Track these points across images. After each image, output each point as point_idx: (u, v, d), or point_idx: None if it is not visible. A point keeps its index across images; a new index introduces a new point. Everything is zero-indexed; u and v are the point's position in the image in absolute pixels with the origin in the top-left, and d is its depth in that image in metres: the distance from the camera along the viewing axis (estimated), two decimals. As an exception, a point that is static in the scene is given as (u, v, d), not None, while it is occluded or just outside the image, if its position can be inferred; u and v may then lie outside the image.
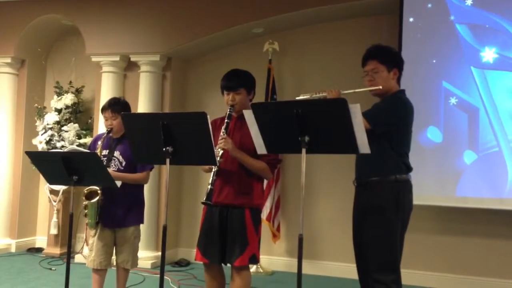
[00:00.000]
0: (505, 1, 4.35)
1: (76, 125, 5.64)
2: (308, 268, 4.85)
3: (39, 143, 5.64)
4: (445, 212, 4.66)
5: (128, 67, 5.49)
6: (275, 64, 5.25)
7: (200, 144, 2.61)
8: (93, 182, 3.21)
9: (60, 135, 5.61)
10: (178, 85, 5.61)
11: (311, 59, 5.27)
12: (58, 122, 5.66)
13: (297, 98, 2.92)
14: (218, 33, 5.18)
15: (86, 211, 3.35)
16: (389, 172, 2.81)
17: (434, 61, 4.52)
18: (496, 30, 4.32)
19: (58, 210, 5.59)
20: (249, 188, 2.98)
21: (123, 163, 3.41)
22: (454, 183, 4.40)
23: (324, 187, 5.14)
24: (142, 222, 3.57)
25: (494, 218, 4.50)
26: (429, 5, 4.54)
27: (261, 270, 5.04)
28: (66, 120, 5.70)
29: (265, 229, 4.72)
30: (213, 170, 2.86)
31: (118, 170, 3.39)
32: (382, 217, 2.79)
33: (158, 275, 2.73)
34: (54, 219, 5.57)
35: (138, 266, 3.72)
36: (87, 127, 5.74)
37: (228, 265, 2.97)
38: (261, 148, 2.57)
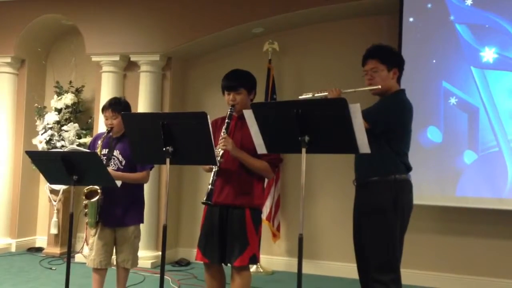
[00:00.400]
0: (505, 1, 4.35)
1: (76, 124, 5.64)
2: (308, 268, 4.85)
3: (39, 143, 5.64)
4: (445, 212, 4.66)
5: (128, 67, 5.49)
6: (275, 64, 5.25)
7: (200, 144, 2.62)
8: (93, 182, 3.21)
9: (60, 135, 5.61)
10: (178, 85, 5.61)
11: (311, 59, 5.27)
12: (58, 122, 5.66)
13: (300, 97, 2.94)
14: (218, 33, 5.18)
15: (86, 210, 3.35)
16: (389, 172, 2.81)
17: (434, 61, 4.52)
18: (496, 30, 4.32)
19: (58, 210, 5.59)
20: (250, 188, 2.98)
21: (123, 163, 3.41)
22: (454, 183, 4.40)
23: (324, 187, 5.14)
24: (142, 222, 3.57)
25: (494, 218, 4.50)
26: (429, 5, 4.54)
27: (261, 270, 5.05)
28: (66, 119, 5.70)
29: (265, 228, 4.72)
30: (214, 170, 2.86)
31: (118, 170, 3.39)
32: (382, 217, 2.80)
33: (158, 275, 2.74)
34: (54, 218, 5.57)
35: (138, 266, 3.72)
36: (87, 127, 5.74)
37: (229, 265, 2.97)
38: (261, 148, 2.57)
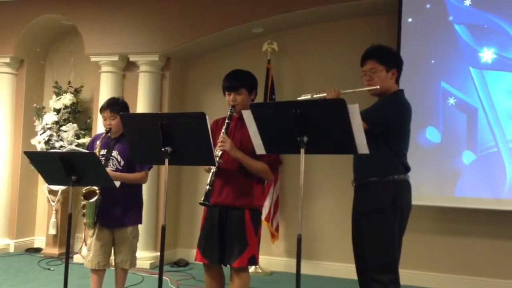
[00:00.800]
0: (504, 2, 4.35)
1: (75, 125, 5.63)
2: (307, 269, 4.85)
3: (38, 143, 5.63)
4: (443, 212, 4.66)
5: (127, 67, 5.49)
6: (274, 64, 5.25)
7: (199, 145, 2.61)
8: (92, 182, 3.21)
9: (59, 135, 5.60)
10: (177, 85, 5.61)
11: (310, 59, 5.27)
12: (57, 122, 5.65)
13: (299, 98, 2.93)
14: (217, 33, 5.18)
15: (84, 210, 3.34)
16: (387, 172, 2.82)
17: (433, 61, 4.52)
18: (495, 31, 4.32)
19: (56, 210, 5.58)
20: (249, 189, 2.98)
21: (122, 163, 3.41)
22: (453, 184, 4.40)
23: (323, 187, 5.14)
24: (141, 222, 3.57)
25: (492, 218, 4.50)
26: (428, 6, 4.54)
27: (260, 271, 5.04)
28: (65, 120, 5.69)
29: (264, 229, 4.71)
30: (212, 170, 2.85)
31: (117, 170, 3.38)
32: (380, 218, 2.80)
33: (157, 275, 2.74)
34: (53, 219, 5.57)
35: (136, 266, 3.72)
36: (86, 127, 5.74)
37: (228, 265, 2.97)
38: (259, 149, 2.57)
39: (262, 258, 4.70)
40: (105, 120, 3.47)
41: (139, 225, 3.58)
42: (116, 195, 3.33)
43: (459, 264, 4.66)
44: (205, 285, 3.10)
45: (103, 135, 3.46)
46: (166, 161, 2.65)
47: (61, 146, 5.54)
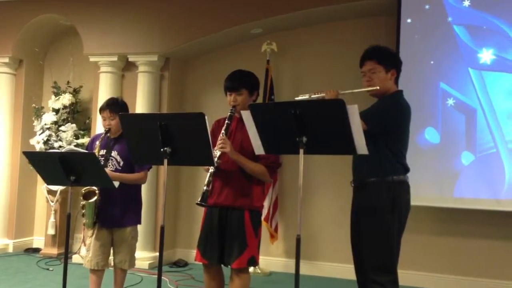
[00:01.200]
0: (503, 3, 4.35)
1: (74, 125, 5.63)
2: (306, 269, 4.86)
3: (37, 143, 5.63)
4: (442, 213, 4.67)
5: (126, 67, 5.49)
6: (273, 64, 5.25)
7: (197, 145, 2.61)
8: (91, 183, 3.20)
9: (57, 135, 5.60)
10: (176, 86, 5.61)
11: (309, 59, 5.27)
12: (55, 122, 5.65)
13: (296, 98, 2.93)
14: (217, 34, 5.17)
15: (83, 211, 3.35)
16: (386, 173, 2.82)
17: (432, 62, 4.52)
18: (494, 31, 4.32)
19: (55, 211, 5.58)
20: (249, 190, 2.97)
21: (121, 163, 3.41)
22: (452, 184, 4.40)
23: (322, 188, 5.14)
24: (140, 223, 3.57)
25: (491, 219, 4.51)
26: (427, 6, 4.55)
27: (259, 271, 5.04)
28: (63, 120, 5.69)
29: (263, 229, 4.70)
30: (210, 171, 2.85)
31: (116, 170, 3.38)
32: (379, 218, 2.80)
33: (156, 276, 2.73)
34: (52, 219, 5.57)
35: (135, 267, 3.72)
36: (84, 127, 5.74)
37: (228, 266, 2.97)
38: (259, 149, 2.57)
39: (261, 259, 4.67)
40: (104, 120, 3.47)
41: (138, 226, 3.58)
42: (115, 195, 3.33)
43: (458, 265, 4.66)
44: (205, 285, 3.10)
45: (103, 135, 3.46)
46: (165, 161, 2.65)
47: (60, 146, 5.54)
